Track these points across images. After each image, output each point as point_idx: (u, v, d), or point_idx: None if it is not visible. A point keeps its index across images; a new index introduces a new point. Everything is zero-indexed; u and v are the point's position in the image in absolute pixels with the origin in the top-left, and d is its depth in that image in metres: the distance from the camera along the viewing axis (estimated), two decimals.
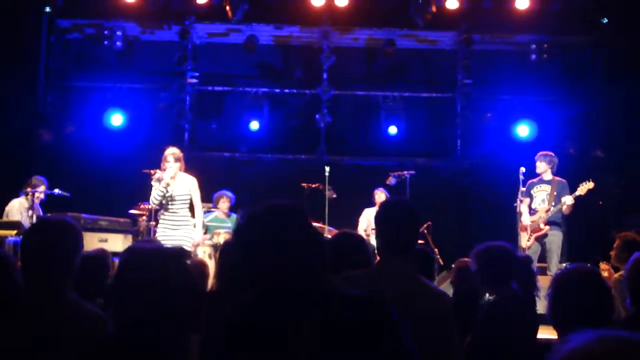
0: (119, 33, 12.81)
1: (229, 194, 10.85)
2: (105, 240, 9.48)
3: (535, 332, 4.62)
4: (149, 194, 8.71)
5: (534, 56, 12.95)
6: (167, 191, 8.45)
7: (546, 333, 4.77)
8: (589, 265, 3.21)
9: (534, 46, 12.94)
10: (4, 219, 9.54)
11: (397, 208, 3.44)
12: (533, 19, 12.73)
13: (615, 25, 12.69)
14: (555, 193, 9.54)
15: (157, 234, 8.67)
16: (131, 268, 2.29)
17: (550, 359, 1.36)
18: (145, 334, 2.20)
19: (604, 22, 12.86)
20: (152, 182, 8.62)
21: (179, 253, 2.45)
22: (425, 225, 10.56)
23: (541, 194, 9.67)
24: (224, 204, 10.80)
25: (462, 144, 13.03)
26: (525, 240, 9.61)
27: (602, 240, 10.13)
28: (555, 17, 12.79)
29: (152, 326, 2.19)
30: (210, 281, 9.59)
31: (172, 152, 8.55)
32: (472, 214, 12.37)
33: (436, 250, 10.39)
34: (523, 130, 12.90)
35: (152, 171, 8.68)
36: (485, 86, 13.14)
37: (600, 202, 11.62)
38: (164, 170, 8.52)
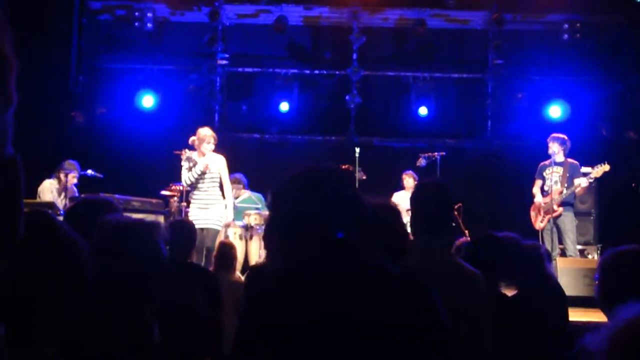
0: (149, 14, 12.84)
1: (238, 175, 10.73)
2: None
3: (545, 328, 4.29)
4: (180, 175, 8.79)
5: (566, 36, 12.77)
6: (206, 172, 8.53)
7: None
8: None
9: (566, 26, 12.76)
10: (38, 199, 9.66)
11: (432, 188, 3.56)
12: None
13: None
14: (567, 175, 9.69)
15: (189, 214, 8.76)
16: None
17: (597, 335, 1.33)
18: None
19: (638, 1, 12.65)
20: (182, 162, 8.69)
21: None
22: (455, 207, 10.52)
23: (554, 176, 9.77)
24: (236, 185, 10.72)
25: (492, 124, 12.91)
26: (538, 222, 9.87)
27: (636, 223, 10.06)
28: None
29: None
30: (238, 263, 9.63)
31: (212, 134, 8.65)
32: (503, 195, 12.28)
33: (466, 231, 10.37)
34: (555, 111, 12.73)
35: (183, 152, 8.74)
36: (516, 66, 12.99)
37: (634, 185, 11.49)
38: (198, 149, 8.60)
